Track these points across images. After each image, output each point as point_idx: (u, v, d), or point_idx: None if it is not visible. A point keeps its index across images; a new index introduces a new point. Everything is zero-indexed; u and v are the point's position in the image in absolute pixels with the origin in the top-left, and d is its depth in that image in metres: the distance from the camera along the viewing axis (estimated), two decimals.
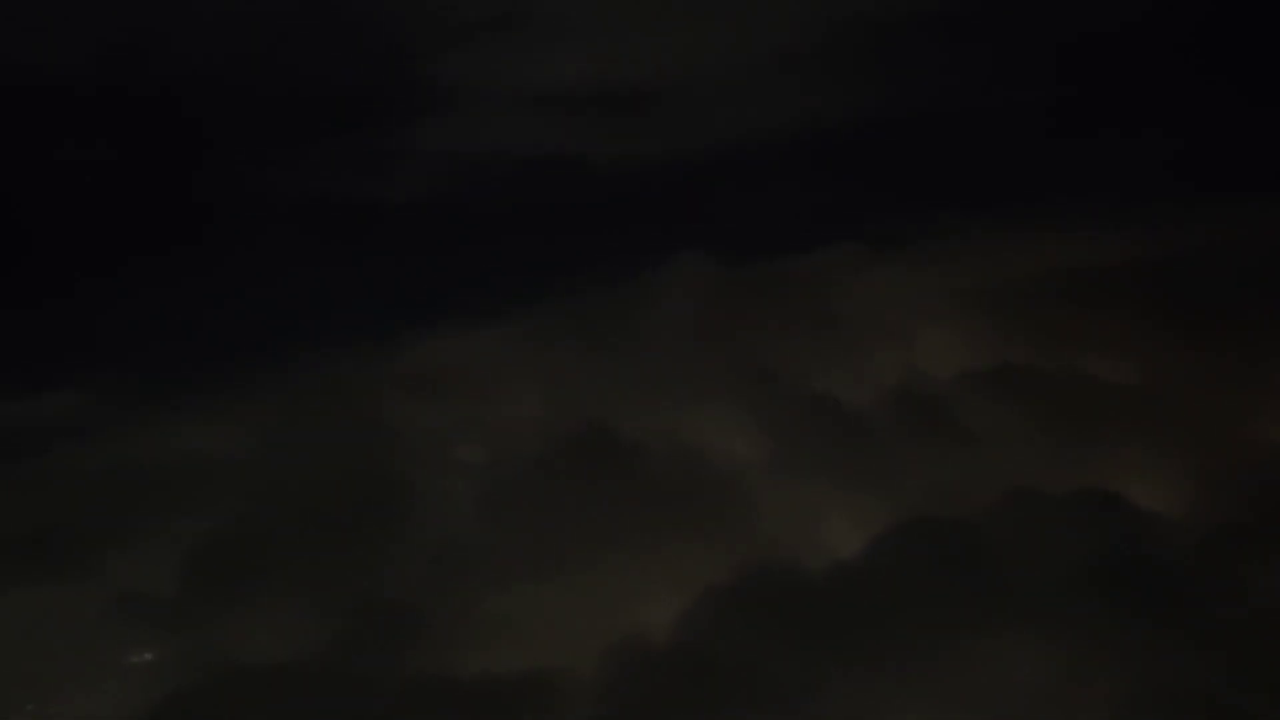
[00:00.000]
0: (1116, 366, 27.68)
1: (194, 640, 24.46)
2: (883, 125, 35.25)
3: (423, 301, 34.13)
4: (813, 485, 25.87)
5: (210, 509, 27.96)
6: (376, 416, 30.14)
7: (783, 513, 25.44)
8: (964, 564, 22.81)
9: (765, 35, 36.73)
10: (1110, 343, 28.39)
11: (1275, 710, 20.78)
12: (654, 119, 36.02)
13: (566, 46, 36.01)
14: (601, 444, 26.90)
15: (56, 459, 30.63)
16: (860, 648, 21.82)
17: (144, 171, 34.66)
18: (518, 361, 30.83)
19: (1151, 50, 35.42)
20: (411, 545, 25.42)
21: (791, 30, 37.23)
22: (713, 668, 21.84)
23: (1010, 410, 26.60)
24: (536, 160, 37.29)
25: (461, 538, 25.54)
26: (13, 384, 32.34)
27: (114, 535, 27.71)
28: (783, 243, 31.94)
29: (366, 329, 32.97)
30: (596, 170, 35.91)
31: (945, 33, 37.62)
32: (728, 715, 21.22)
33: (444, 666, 22.48)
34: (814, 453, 26.70)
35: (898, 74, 36.48)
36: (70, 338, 33.74)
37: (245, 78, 35.14)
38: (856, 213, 32.57)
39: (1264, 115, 34.10)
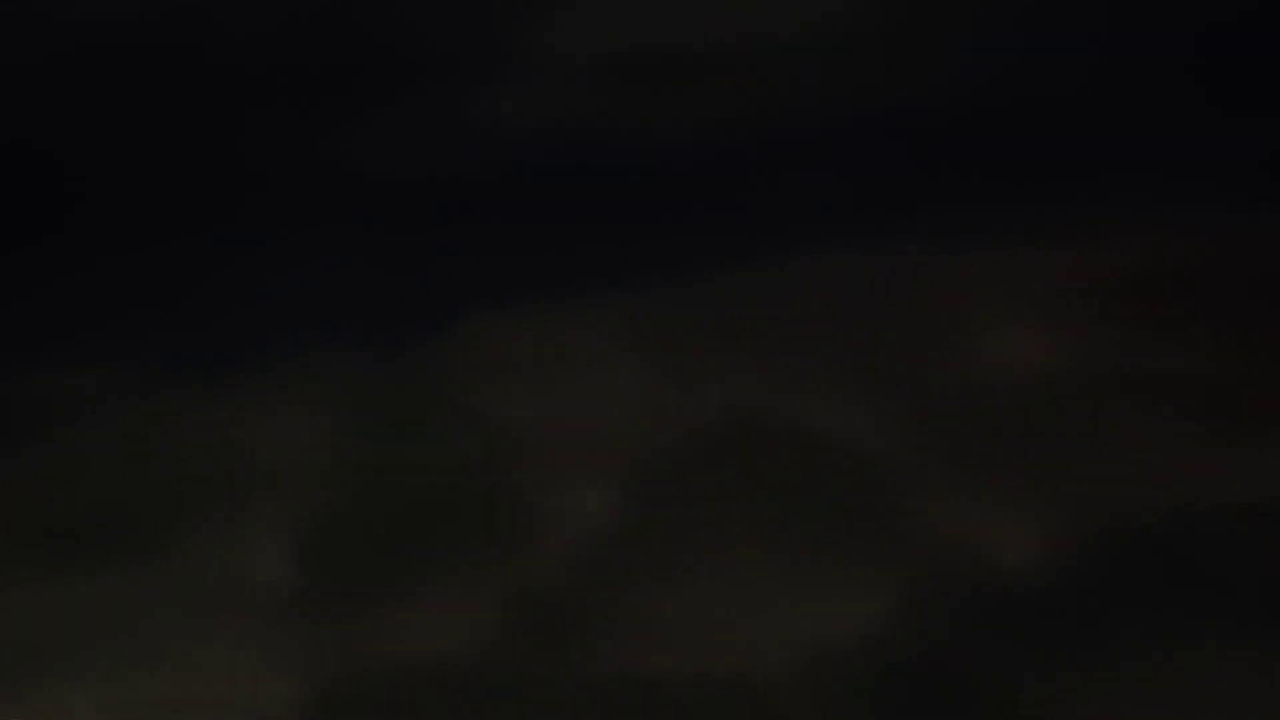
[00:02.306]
0: (1253, 364, 24.84)
1: (329, 633, 21.87)
2: (966, 105, 33.24)
3: (499, 281, 30.27)
4: (973, 484, 23.65)
5: (295, 495, 25.47)
6: (461, 400, 27.21)
7: (946, 513, 23.24)
8: (1160, 570, 20.66)
9: (857, 4, 34.09)
10: (1244, 341, 25.67)
11: None
12: (733, 89, 33.89)
13: (641, 7, 33.57)
14: (743, 436, 24.64)
15: (92, 439, 27.85)
16: (1071, 655, 19.77)
17: (191, 139, 32.51)
18: (626, 345, 28.01)
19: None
20: (546, 540, 22.94)
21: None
22: (905, 672, 19.79)
23: (1162, 411, 23.86)
24: (612, 130, 33.93)
25: (601, 533, 23.15)
26: (46, 359, 29.42)
27: (194, 521, 24.95)
28: (878, 226, 29.90)
29: (436, 309, 29.15)
30: (672, 142, 33.41)
31: (1040, 15, 35.16)
32: None
33: (617, 666, 20.38)
34: (968, 450, 24.41)
35: (984, 51, 34.33)
36: (114, 311, 30.42)
37: (308, 42, 32.99)
38: (945, 198, 30.86)
39: None
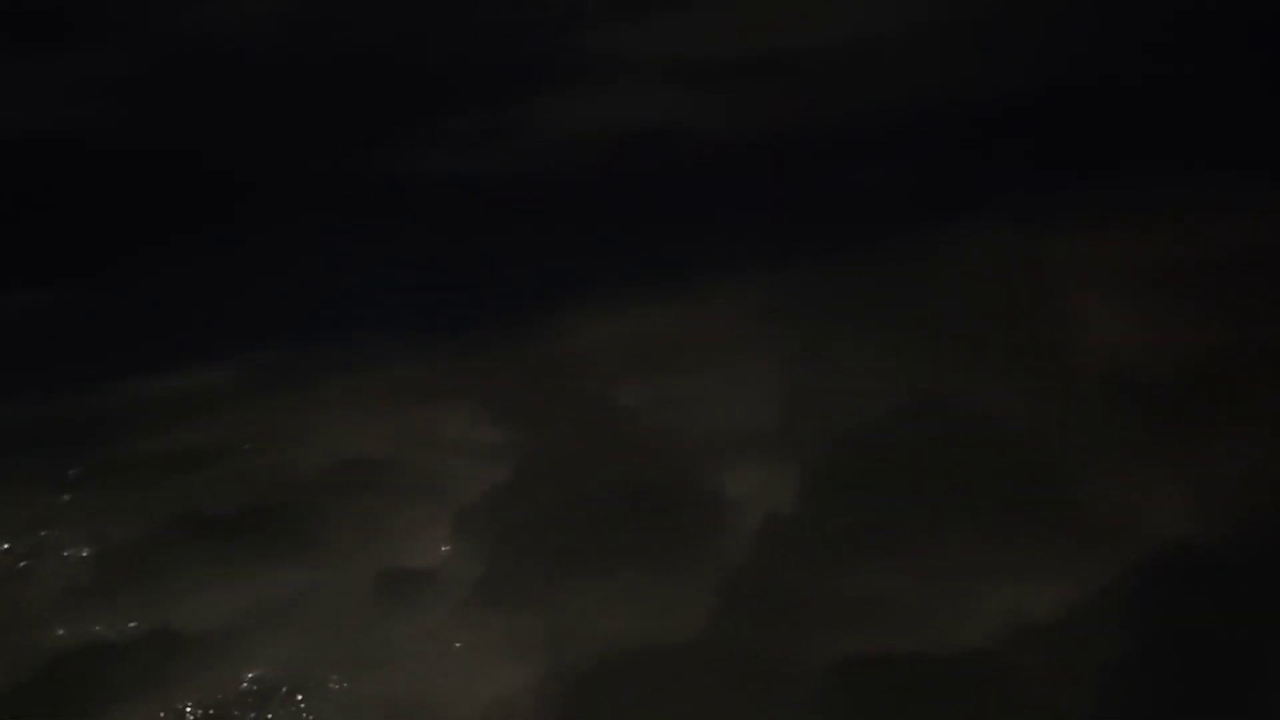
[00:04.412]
0: None
1: (538, 621, 21.67)
2: (1048, 95, 34.55)
3: (611, 275, 30.55)
4: (1134, 460, 23.66)
5: (451, 486, 25.25)
6: (597, 389, 27.18)
7: (1114, 489, 23.21)
8: None
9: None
10: None
11: None
12: (805, 85, 35.35)
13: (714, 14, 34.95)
14: (912, 419, 24.28)
15: (219, 435, 27.90)
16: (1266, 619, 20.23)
17: (280, 148, 34.19)
18: (762, 333, 27.50)
19: None
20: (738, 524, 22.97)
21: None
22: (1109, 642, 19.97)
23: None
24: (700, 128, 33.97)
25: (791, 517, 23.04)
26: (168, 357, 29.50)
27: (349, 512, 24.93)
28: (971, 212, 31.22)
29: (554, 304, 29.84)
30: (759, 138, 34.77)
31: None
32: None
33: (834, 646, 20.31)
34: (1123, 427, 24.37)
35: (1065, 40, 35.56)
36: (227, 310, 30.90)
37: (384, 50, 34.63)
38: (1035, 182, 32.05)
39: None
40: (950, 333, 26.03)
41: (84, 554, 24.71)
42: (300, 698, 21.01)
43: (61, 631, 22.93)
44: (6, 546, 26.82)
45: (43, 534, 25.31)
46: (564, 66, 35.90)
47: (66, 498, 26.46)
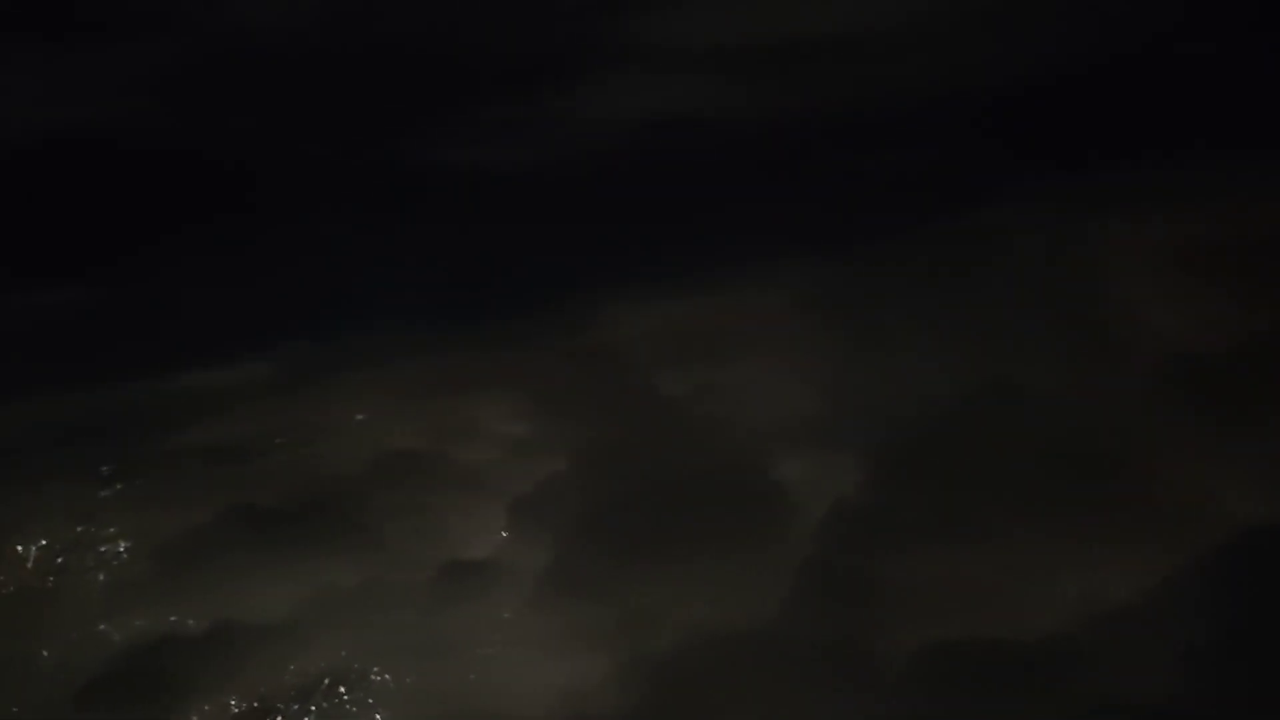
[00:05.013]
0: None
1: (615, 609, 21.37)
2: (1069, 78, 34.39)
3: (652, 265, 30.38)
4: (1202, 445, 23.46)
5: (508, 476, 24.95)
6: (644, 378, 27.02)
7: (1185, 474, 23.01)
8: None
9: None
10: None
11: None
12: (833, 71, 35.07)
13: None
14: (973, 404, 24.15)
15: (258, 429, 27.67)
16: None
17: (313, 140, 33.92)
18: (809, 321, 27.25)
19: None
20: (805, 511, 22.80)
21: None
22: (1185, 629, 19.90)
23: None
24: (737, 116, 33.56)
25: (859, 504, 22.90)
26: (200, 351, 29.19)
27: (404, 503, 24.70)
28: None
29: (597, 294, 29.47)
30: (791, 125, 34.45)
31: None
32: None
33: (912, 633, 20.22)
34: (1190, 412, 24.23)
35: (1087, 22, 35.39)
36: (259, 303, 30.54)
37: (418, 41, 34.30)
38: (1072, 164, 31.86)
39: None
40: (1003, 319, 25.80)
41: (132, 548, 24.34)
42: (367, 690, 20.76)
43: (122, 626, 22.68)
44: (44, 543, 26.61)
45: (84, 529, 24.82)
46: (593, 55, 35.70)
47: (106, 492, 26.26)
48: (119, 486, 26.36)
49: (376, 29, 35.04)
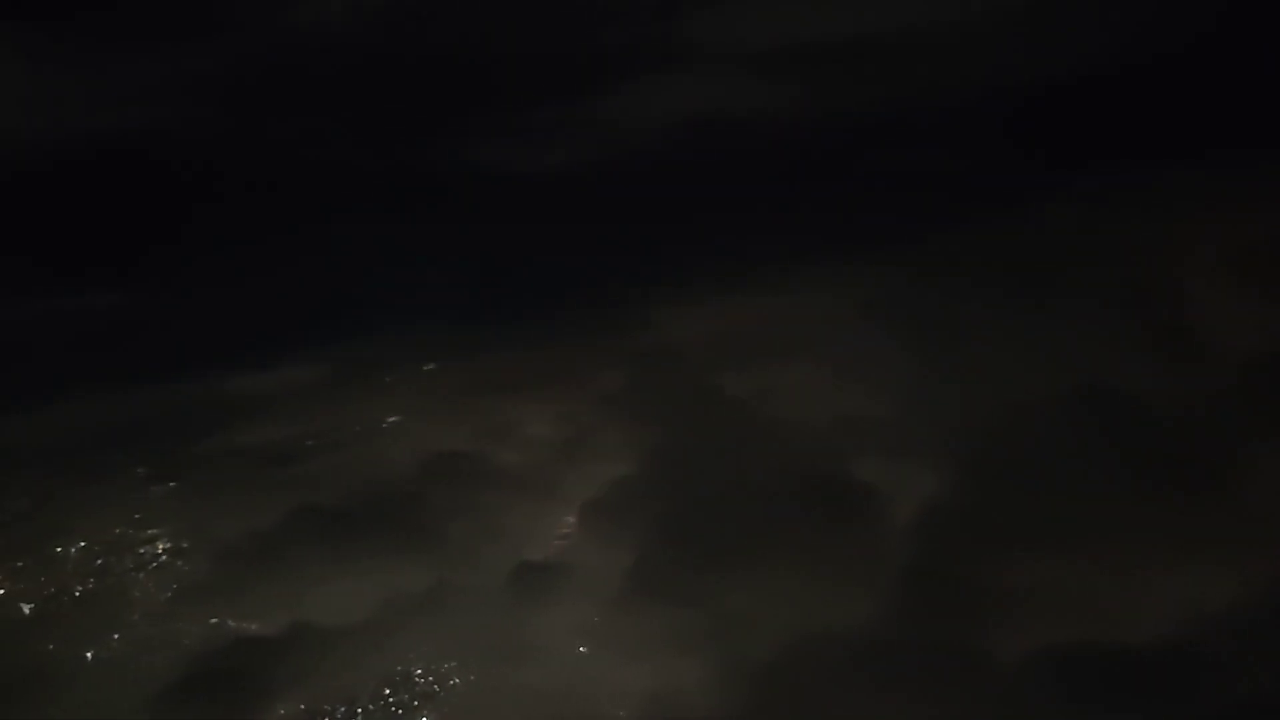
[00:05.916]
0: None
1: (700, 611, 20.98)
2: (1107, 79, 33.94)
3: (710, 264, 30.25)
4: None
5: (580, 479, 24.58)
6: (703, 380, 26.74)
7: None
8: None
9: None
10: None
11: None
12: (878, 71, 34.70)
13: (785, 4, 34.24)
14: (1055, 401, 23.74)
15: (300, 431, 27.33)
16: None
17: (349, 142, 33.66)
18: (869, 319, 27.03)
19: None
20: (896, 513, 22.36)
21: None
22: None
23: None
24: (787, 115, 33.30)
25: (949, 506, 22.43)
26: (246, 354, 29.05)
27: (472, 505, 24.29)
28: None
29: (653, 295, 29.40)
30: (835, 125, 33.98)
31: None
32: None
33: (1015, 637, 19.94)
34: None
35: (1124, 25, 34.91)
36: (305, 306, 30.21)
37: (473, 44, 33.85)
38: (1111, 163, 31.50)
39: None
40: (1084, 322, 25.56)
41: (192, 549, 23.82)
42: (446, 692, 20.36)
43: (191, 627, 22.18)
44: (87, 545, 26.00)
45: (143, 530, 24.33)
46: (645, 57, 35.41)
47: (160, 492, 25.79)
48: (173, 485, 26.19)
49: (429, 34, 34.71)
